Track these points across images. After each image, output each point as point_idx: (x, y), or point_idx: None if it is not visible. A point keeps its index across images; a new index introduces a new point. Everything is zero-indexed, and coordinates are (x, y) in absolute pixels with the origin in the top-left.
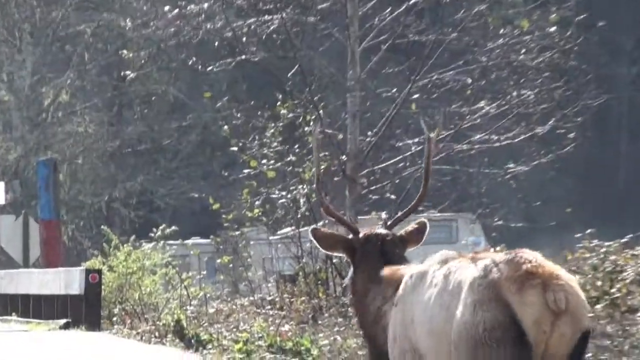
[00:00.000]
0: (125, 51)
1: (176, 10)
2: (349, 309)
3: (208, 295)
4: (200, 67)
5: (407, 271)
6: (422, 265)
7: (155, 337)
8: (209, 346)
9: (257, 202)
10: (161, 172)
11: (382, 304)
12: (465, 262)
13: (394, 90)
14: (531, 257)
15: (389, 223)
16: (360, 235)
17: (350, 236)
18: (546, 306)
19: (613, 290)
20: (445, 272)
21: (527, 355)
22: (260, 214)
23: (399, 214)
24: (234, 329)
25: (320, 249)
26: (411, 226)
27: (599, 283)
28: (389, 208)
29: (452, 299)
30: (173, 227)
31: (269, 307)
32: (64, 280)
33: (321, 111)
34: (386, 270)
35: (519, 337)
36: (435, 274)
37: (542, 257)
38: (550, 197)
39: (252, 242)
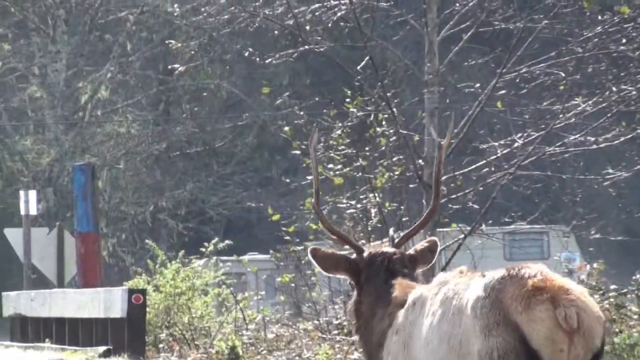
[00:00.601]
0: (172, 41)
1: None
2: (354, 335)
3: (267, 318)
4: (257, 59)
5: (413, 292)
6: (424, 288)
7: None
8: None
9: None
10: (213, 179)
11: (388, 327)
12: (463, 284)
13: (477, 85)
14: (536, 270)
15: (396, 241)
16: (365, 254)
17: (354, 256)
18: (557, 323)
19: None
20: (442, 297)
21: None
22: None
23: (408, 230)
24: (296, 358)
25: (321, 270)
26: (421, 244)
27: None
28: (472, 218)
29: (452, 328)
30: (227, 241)
31: (335, 332)
32: (103, 302)
33: (395, 109)
34: (396, 288)
35: (534, 358)
36: (432, 300)
37: (549, 270)
38: None
39: None
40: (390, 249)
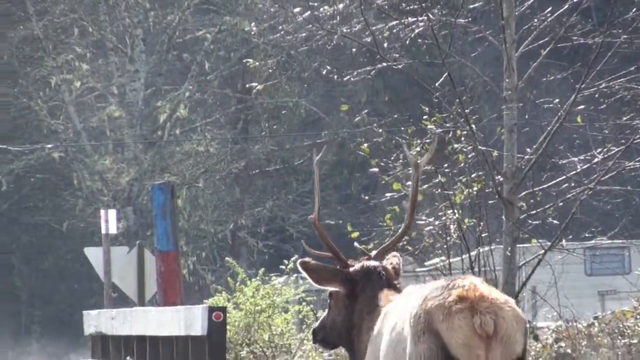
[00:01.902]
0: (250, 60)
1: (308, 12)
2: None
3: None
4: (335, 76)
5: (388, 304)
6: (397, 298)
7: None
8: None
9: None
10: (293, 197)
11: (369, 338)
12: (416, 293)
13: (556, 100)
14: (467, 282)
15: (373, 255)
16: (357, 267)
17: (350, 269)
18: (473, 330)
19: None
20: (400, 308)
21: None
22: (405, 242)
23: (384, 244)
24: None
25: (311, 281)
26: (386, 259)
27: None
28: (552, 234)
29: (399, 337)
30: (307, 259)
31: None
32: (184, 320)
33: (473, 125)
34: (382, 299)
35: None
36: (394, 311)
37: (482, 282)
38: None
39: None
40: (373, 262)
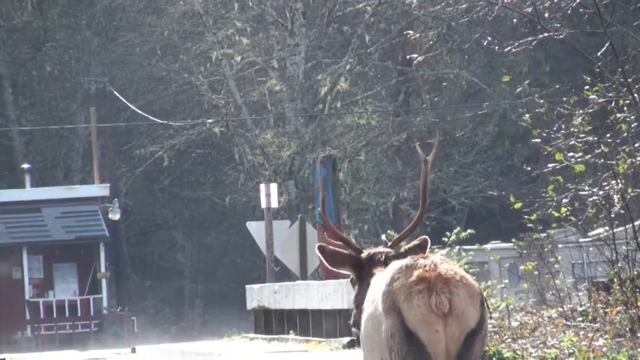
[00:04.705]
0: (410, 32)
1: None
2: (353, 327)
3: (511, 306)
4: (496, 47)
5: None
6: (379, 274)
7: None
8: None
9: (564, 200)
10: (455, 168)
11: None
12: (389, 270)
13: None
14: (428, 262)
15: (389, 243)
16: (365, 253)
17: (361, 255)
18: (430, 309)
19: None
20: (378, 283)
21: (424, 353)
22: (568, 213)
23: (400, 234)
24: (541, 345)
25: (327, 265)
26: (413, 243)
27: None
28: None
29: (375, 311)
30: (469, 230)
31: (580, 319)
32: (346, 293)
33: (636, 95)
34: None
35: (413, 338)
36: (374, 286)
37: (442, 261)
38: None
39: (559, 246)
40: (386, 249)
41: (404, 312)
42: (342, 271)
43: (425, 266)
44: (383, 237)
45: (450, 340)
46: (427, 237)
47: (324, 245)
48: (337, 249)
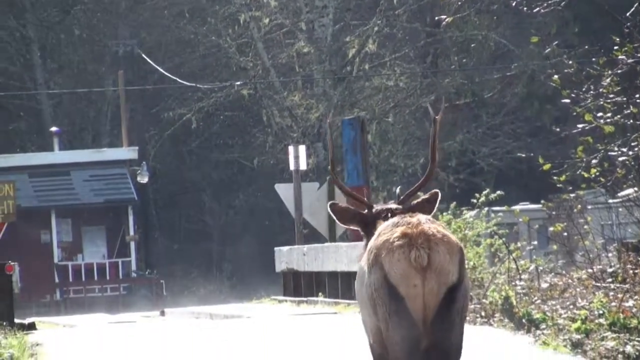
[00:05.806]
0: None
1: None
2: None
3: (540, 268)
4: (525, 8)
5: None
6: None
7: (481, 317)
8: (542, 326)
9: (593, 161)
10: (483, 130)
11: None
12: (379, 228)
13: None
14: (414, 219)
15: (401, 198)
16: (374, 209)
17: (366, 211)
18: (410, 263)
19: None
20: (371, 241)
21: (403, 306)
22: (597, 174)
23: (409, 190)
24: (570, 306)
25: (337, 221)
26: (422, 198)
27: None
28: None
29: (364, 265)
30: (498, 192)
31: (609, 280)
32: None
33: None
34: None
35: (393, 292)
36: (370, 242)
37: (428, 219)
38: None
39: (589, 207)
40: (393, 205)
41: (386, 267)
42: (352, 227)
43: (409, 223)
44: (397, 190)
45: (429, 295)
46: (437, 190)
47: (335, 202)
48: (345, 206)
